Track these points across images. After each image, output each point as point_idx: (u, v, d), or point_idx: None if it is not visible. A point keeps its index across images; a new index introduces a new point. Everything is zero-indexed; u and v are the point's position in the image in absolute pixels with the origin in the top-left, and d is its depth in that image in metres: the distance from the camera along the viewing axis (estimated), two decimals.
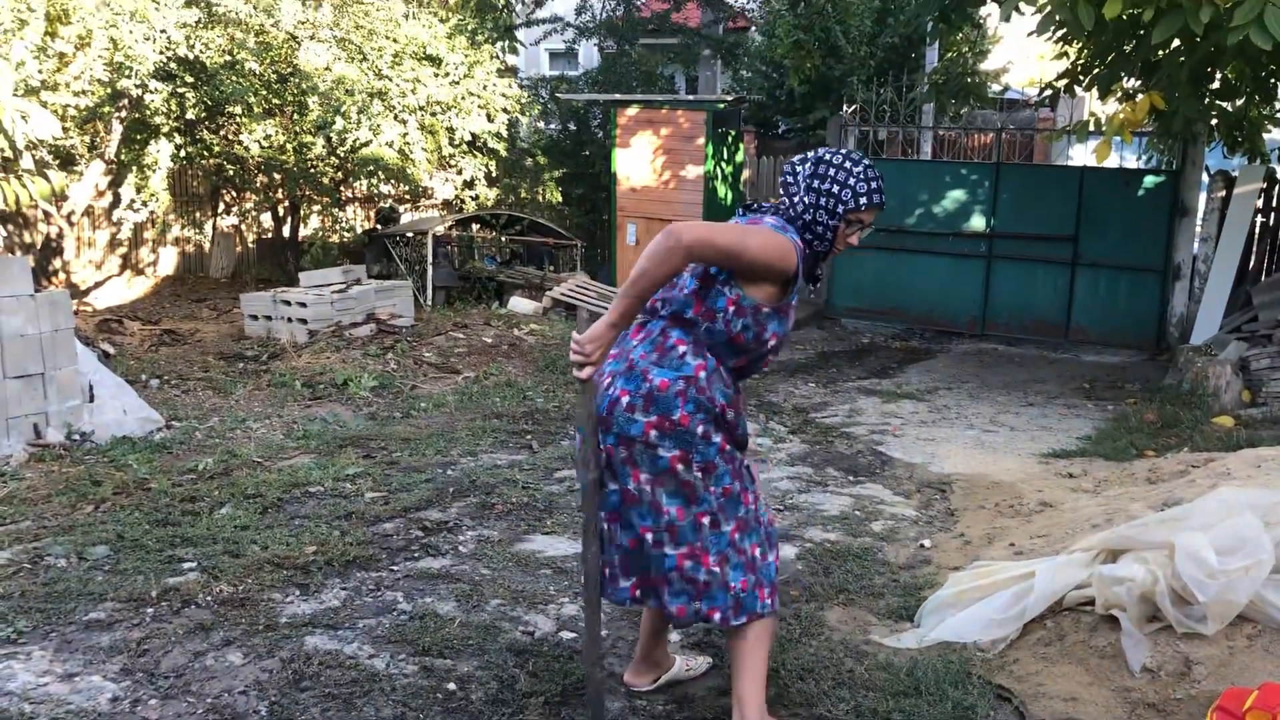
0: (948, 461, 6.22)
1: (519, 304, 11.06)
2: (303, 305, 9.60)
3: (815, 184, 2.81)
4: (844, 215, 2.82)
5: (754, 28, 16.73)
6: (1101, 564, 3.43)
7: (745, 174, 12.47)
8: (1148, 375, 9.34)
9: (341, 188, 13.38)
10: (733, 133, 11.47)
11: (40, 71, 8.39)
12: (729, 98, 11.67)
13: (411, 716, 2.95)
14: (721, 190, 11.16)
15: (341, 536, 4.40)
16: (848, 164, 2.83)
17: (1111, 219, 10.66)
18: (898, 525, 4.93)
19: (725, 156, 11.21)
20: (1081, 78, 9.16)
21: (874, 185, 2.83)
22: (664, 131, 11.14)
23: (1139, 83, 8.70)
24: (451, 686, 3.13)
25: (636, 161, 11.40)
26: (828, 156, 2.87)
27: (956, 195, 11.35)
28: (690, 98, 12.80)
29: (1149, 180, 10.71)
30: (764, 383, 8.80)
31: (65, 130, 9.80)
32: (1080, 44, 8.86)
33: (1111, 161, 10.59)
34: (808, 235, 2.84)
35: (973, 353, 10.77)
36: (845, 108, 12.67)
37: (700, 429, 2.79)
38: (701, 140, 10.88)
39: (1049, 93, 9.51)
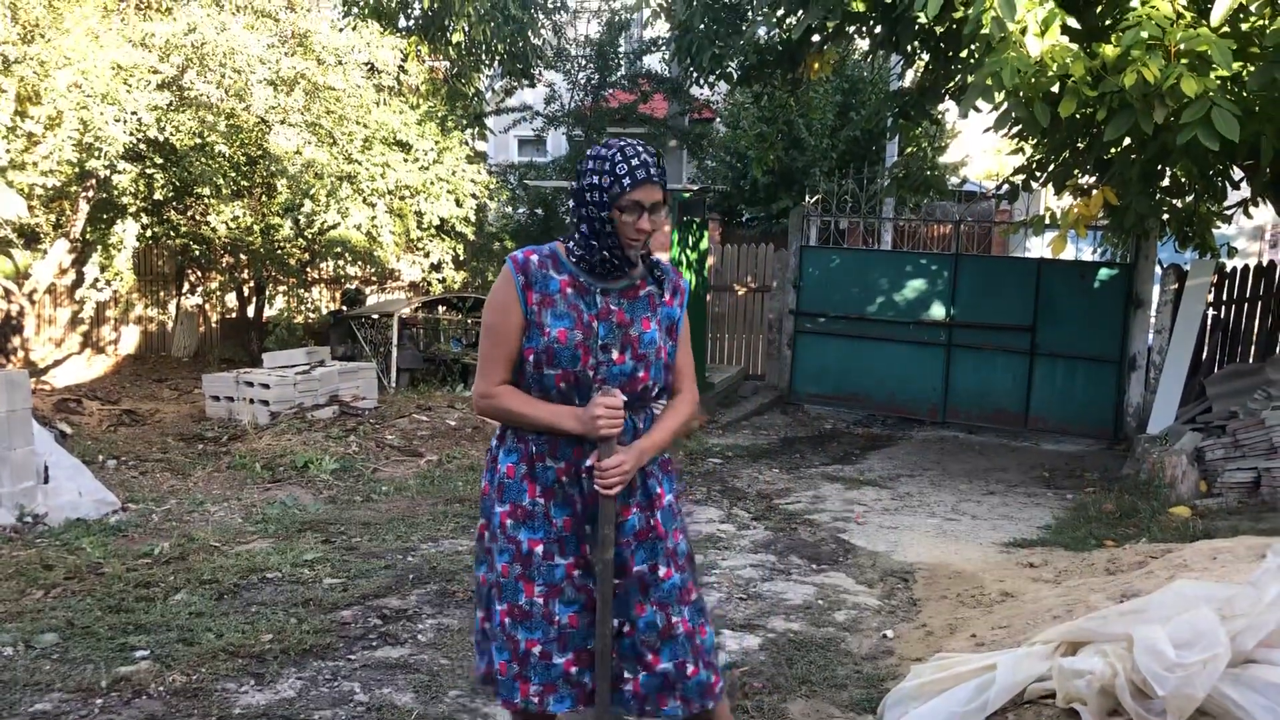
0: (910, 550, 6.24)
1: None
2: (265, 386, 9.54)
3: (580, 185, 2.70)
4: (613, 204, 2.62)
5: (718, 119, 17.12)
6: (1062, 656, 3.44)
7: (710, 260, 12.64)
8: (1106, 464, 9.45)
9: (308, 269, 13.41)
10: (697, 221, 11.65)
11: (8, 151, 8.41)
12: (694, 187, 11.89)
13: None
14: (687, 275, 11.26)
15: (299, 624, 4.33)
16: (602, 152, 2.68)
17: (1068, 310, 10.88)
18: (860, 615, 4.93)
19: (690, 244, 11.36)
20: (1037, 173, 9.43)
21: (635, 163, 2.63)
22: None
23: (1092, 179, 8.97)
24: None
25: None
26: (588, 153, 2.75)
27: (917, 284, 11.55)
28: None
29: (1104, 273, 10.97)
30: (728, 468, 8.82)
31: (31, 209, 9.78)
32: (1036, 141, 9.13)
33: (1068, 254, 10.86)
34: (593, 242, 2.67)
35: (934, 440, 10.86)
36: (807, 198, 12.96)
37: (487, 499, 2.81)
38: (668, 228, 11.04)
39: (1006, 187, 9.77)
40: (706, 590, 5.16)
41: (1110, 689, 3.15)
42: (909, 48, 8.77)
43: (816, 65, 9.80)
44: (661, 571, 2.75)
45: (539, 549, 2.70)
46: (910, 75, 10.39)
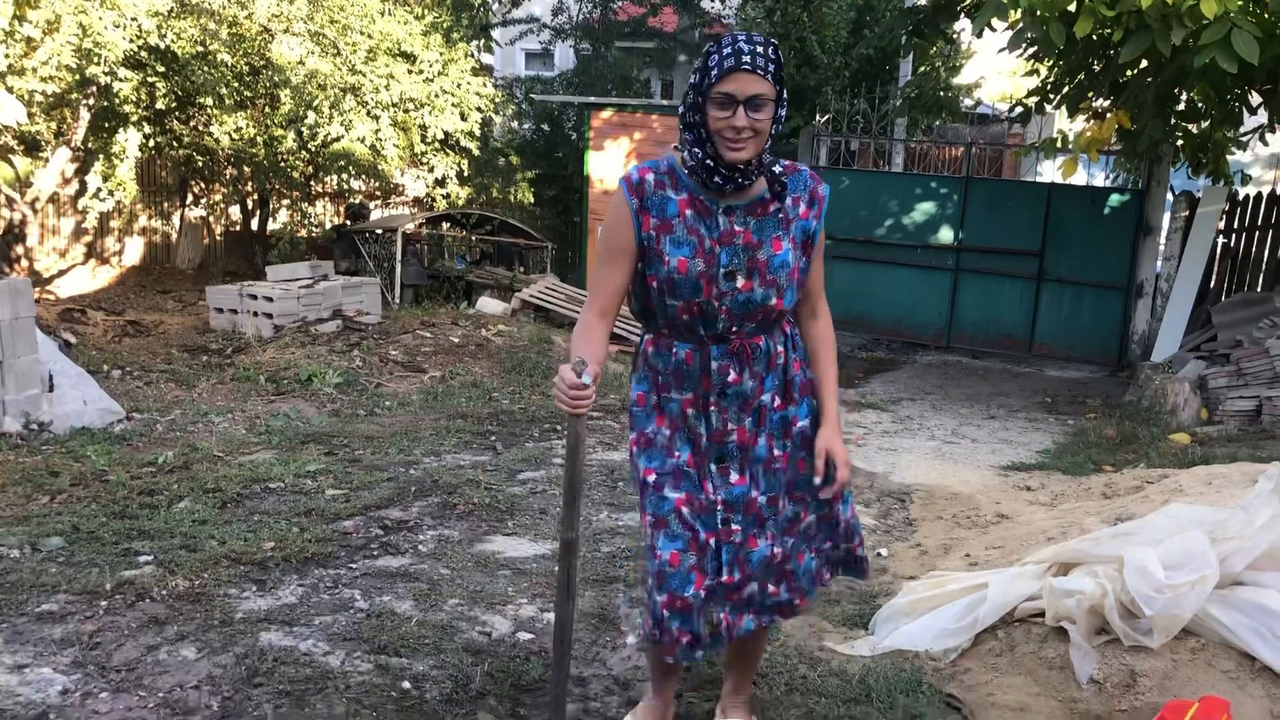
0: (909, 472, 6.28)
1: (487, 304, 11.05)
2: (269, 300, 9.55)
3: (684, 91, 2.55)
4: (705, 97, 2.39)
5: (729, 32, 16.79)
6: (1053, 577, 3.48)
7: None
8: (1109, 391, 9.46)
9: (311, 182, 13.31)
10: None
11: (6, 56, 8.29)
12: None
13: (365, 714, 2.94)
14: None
15: (300, 533, 4.38)
16: (705, 50, 2.46)
17: (1077, 236, 10.79)
18: None
19: None
20: (1051, 96, 9.28)
21: (727, 50, 2.37)
22: (638, 135, 11.18)
23: (1107, 102, 8.83)
24: (406, 685, 3.13)
25: (610, 164, 11.42)
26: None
27: (926, 208, 11.45)
28: (664, 102, 12.83)
29: (1115, 199, 10.86)
30: None
31: (31, 116, 9.68)
32: (1051, 62, 8.97)
33: (1079, 179, 10.74)
34: (695, 149, 2.45)
35: (937, 364, 10.86)
36: (818, 117, 12.75)
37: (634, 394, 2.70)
38: (675, 145, 10.92)
39: (1019, 109, 9.62)
40: None
41: (1099, 608, 3.20)
42: None
43: None
44: (780, 505, 2.66)
45: (651, 478, 2.60)
46: None
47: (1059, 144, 8.47)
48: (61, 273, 12.98)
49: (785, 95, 2.45)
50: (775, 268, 2.52)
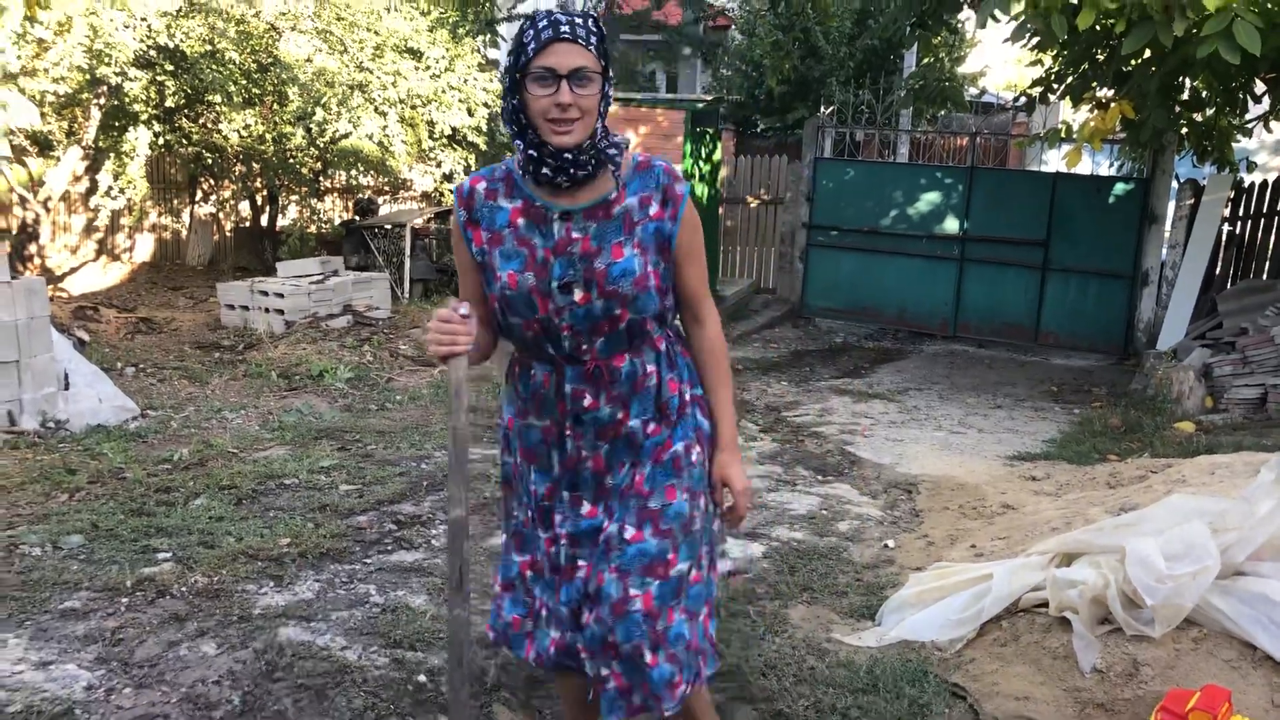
0: (915, 463, 6.33)
1: None
2: (280, 296, 9.62)
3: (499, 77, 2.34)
4: (524, 76, 2.13)
5: (734, 26, 16.82)
6: (1056, 567, 3.54)
7: (723, 172, 12.55)
8: (1114, 379, 9.50)
9: (320, 178, 13.37)
10: (710, 131, 11.55)
11: (19, 58, 8.36)
12: (708, 98, 11.76)
13: (382, 707, 3.02)
14: (699, 188, 11.24)
15: (315, 529, 4.46)
16: (520, 28, 2.21)
17: (1082, 225, 10.81)
18: (863, 525, 5.04)
19: (703, 155, 11.28)
20: (1055, 85, 9.29)
21: (542, 24, 2.14)
22: (643, 129, 11.22)
23: (1110, 92, 8.84)
24: (422, 679, 3.20)
25: None
26: None
27: (931, 198, 11.47)
28: (670, 96, 12.89)
29: (1119, 187, 10.87)
30: (737, 381, 8.89)
31: (43, 116, 9.75)
32: (1054, 52, 8.98)
33: (1084, 168, 10.76)
34: (518, 140, 2.22)
35: (943, 354, 10.90)
36: (823, 109, 12.79)
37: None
38: (680, 139, 10.97)
39: (1023, 99, 9.64)
40: None
41: (1102, 599, 3.25)
42: None
43: None
44: (629, 533, 2.29)
45: (519, 516, 2.46)
46: None
47: (1063, 134, 8.48)
48: (73, 270, 13.06)
49: (611, 73, 2.21)
50: (615, 277, 2.22)
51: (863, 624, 3.82)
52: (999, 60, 18.53)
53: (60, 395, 6.69)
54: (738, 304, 12.21)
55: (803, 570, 4.33)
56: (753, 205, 13.23)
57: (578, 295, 2.23)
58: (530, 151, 2.19)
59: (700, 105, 11.15)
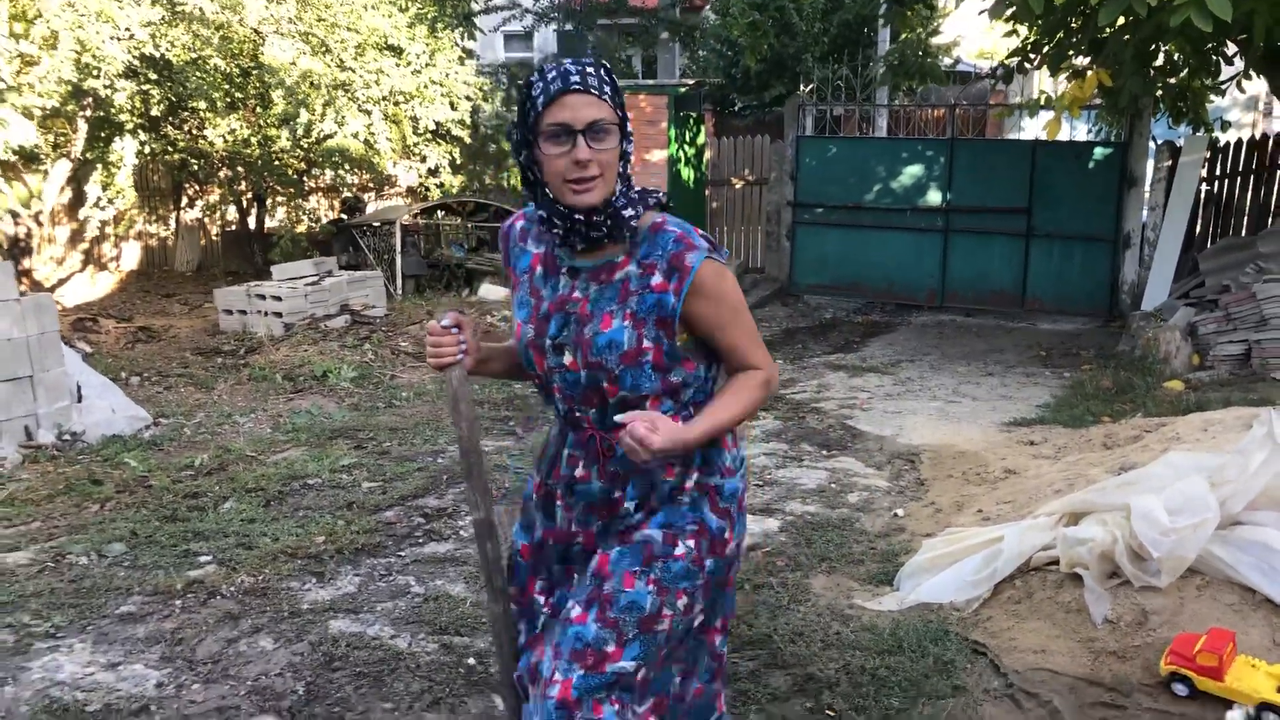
0: (915, 433, 6.52)
1: (489, 290, 11.23)
2: (277, 299, 9.72)
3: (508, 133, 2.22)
4: (535, 135, 2.00)
5: (709, 6, 16.92)
6: (1064, 527, 3.73)
7: (707, 155, 12.68)
8: (1102, 342, 9.71)
9: (304, 178, 13.45)
10: (694, 115, 11.68)
11: (14, 76, 8.42)
12: (690, 82, 11.88)
13: (438, 690, 3.18)
14: (685, 172, 11.39)
15: (347, 526, 4.61)
16: (524, 82, 2.05)
17: (1063, 190, 11.01)
18: (872, 496, 5.22)
19: (687, 139, 11.42)
20: (1031, 56, 9.46)
21: (550, 75, 1.99)
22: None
23: (1087, 60, 9.01)
24: (471, 662, 3.36)
25: None
26: None
27: (913, 171, 11.65)
28: (652, 82, 13.00)
29: (1098, 152, 11.07)
30: None
31: None
32: (1030, 23, 9.14)
33: (1062, 134, 10.94)
34: (535, 194, 2.10)
35: (932, 325, 11.10)
36: (801, 86, 12.92)
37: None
38: (664, 124, 11.10)
39: (1001, 70, 9.81)
40: None
41: (1110, 554, 3.44)
42: None
43: None
44: (575, 613, 2.09)
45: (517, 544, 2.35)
46: None
47: (1042, 103, 8.66)
48: (61, 281, 13.11)
49: (629, 127, 2.06)
50: (600, 348, 2.06)
51: (881, 590, 4.00)
52: (973, 29, 18.66)
53: (74, 408, 6.80)
54: None
55: (819, 542, 4.51)
56: (737, 186, 13.37)
57: (567, 359, 2.10)
58: (540, 212, 2.08)
59: (683, 89, 11.27)
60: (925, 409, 7.27)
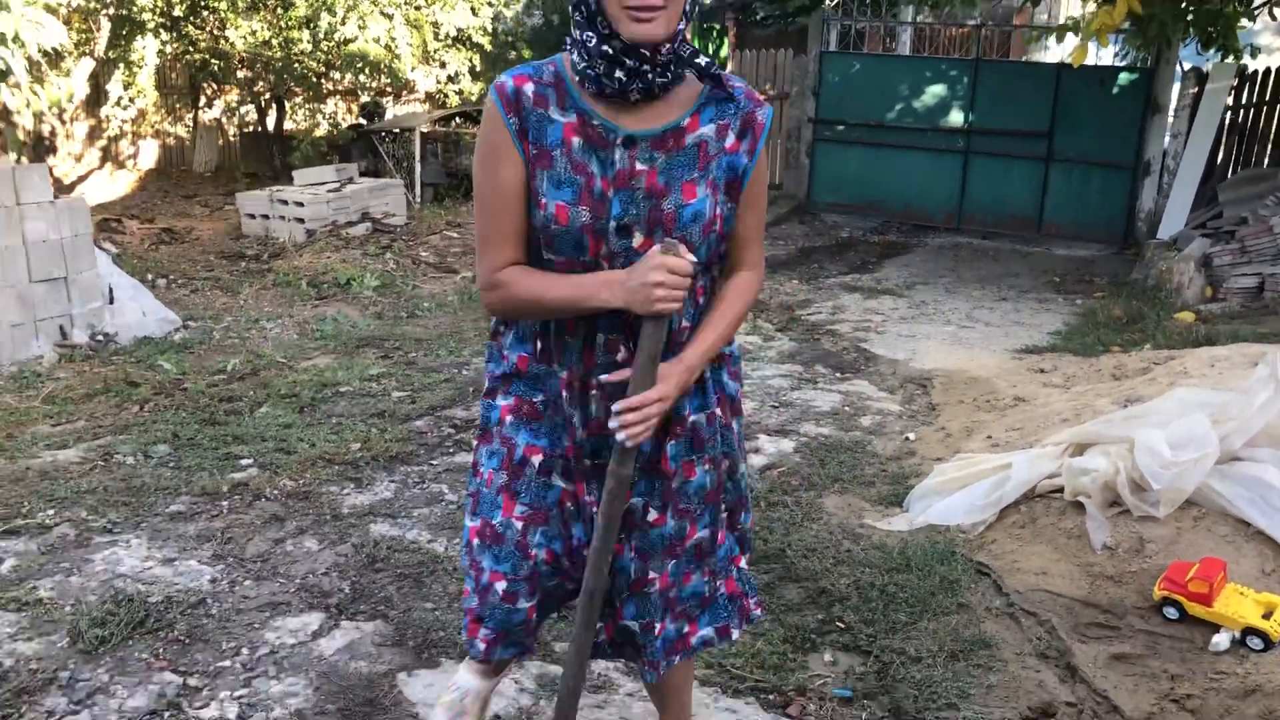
0: (928, 357, 6.66)
1: None
2: (300, 205, 9.81)
3: None
4: None
5: None
6: (1070, 456, 3.89)
7: (729, 67, 12.60)
8: (1116, 270, 9.79)
9: (323, 80, 13.40)
10: (717, 28, 11.60)
11: None
12: None
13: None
14: None
15: (380, 434, 4.79)
16: None
17: (1085, 115, 10.97)
18: (884, 419, 5.39)
19: (710, 51, 11.35)
20: None
21: None
22: None
23: None
24: None
25: None
26: None
27: (935, 91, 11.60)
28: None
29: (1123, 77, 11.00)
30: None
31: None
32: None
33: (1089, 59, 10.86)
34: (588, 35, 1.85)
35: (949, 247, 11.16)
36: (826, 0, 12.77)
37: (486, 385, 2.18)
38: (687, 35, 11.01)
39: None
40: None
41: (1112, 484, 3.61)
42: None
43: None
44: (652, 515, 2.10)
45: (536, 458, 2.09)
46: None
47: (1070, 28, 8.59)
48: (81, 178, 13.18)
49: None
50: (685, 222, 1.93)
51: (891, 511, 4.19)
52: None
53: (106, 309, 6.96)
54: None
55: (832, 463, 4.69)
56: None
57: (636, 240, 1.91)
58: (603, 46, 1.82)
59: (707, 3, 11.17)
60: (939, 333, 7.41)
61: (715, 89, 1.95)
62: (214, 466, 4.32)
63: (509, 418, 2.09)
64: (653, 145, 1.91)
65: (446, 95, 13.13)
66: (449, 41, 11.86)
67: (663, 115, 1.91)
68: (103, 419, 5.01)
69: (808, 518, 4.08)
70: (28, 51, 6.09)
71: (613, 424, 1.92)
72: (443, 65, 12.19)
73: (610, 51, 1.82)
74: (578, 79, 1.90)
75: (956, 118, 11.55)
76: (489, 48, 12.31)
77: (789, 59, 13.03)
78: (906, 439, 5.06)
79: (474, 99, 12.86)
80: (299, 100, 13.34)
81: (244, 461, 4.41)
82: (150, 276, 8.54)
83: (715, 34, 11.44)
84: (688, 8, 1.84)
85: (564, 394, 2.03)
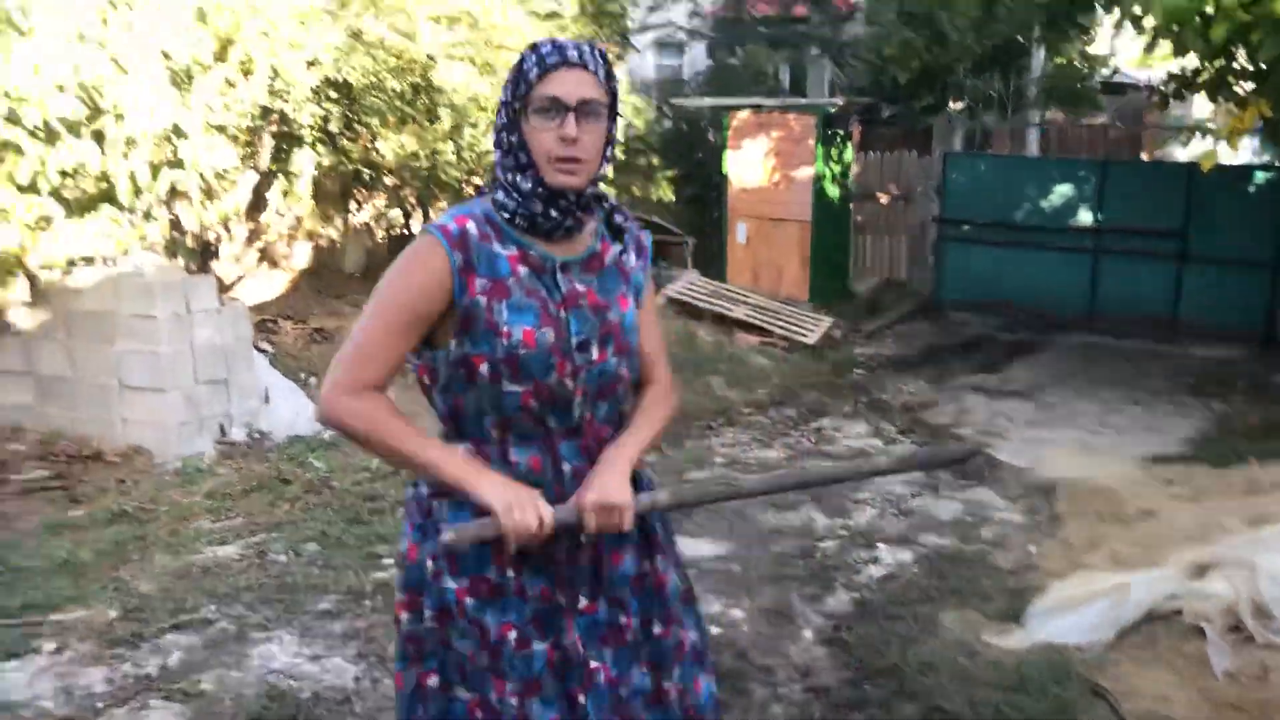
0: (1053, 465, 6.61)
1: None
2: None
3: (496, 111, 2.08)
4: (525, 106, 1.97)
5: (858, 11, 16.98)
6: (1192, 578, 3.88)
7: (854, 169, 12.82)
8: (1255, 372, 9.51)
9: (464, 186, 14.12)
10: (841, 134, 11.85)
11: (210, 108, 9.22)
12: (839, 101, 12.05)
13: None
14: (831, 189, 11.58)
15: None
16: (519, 59, 2.05)
17: (1221, 214, 10.78)
18: (1006, 530, 5.39)
19: (834, 156, 11.60)
20: (1191, 82, 9.32)
21: (545, 49, 1.97)
22: (775, 134, 11.58)
23: (1249, 87, 8.83)
24: None
25: (747, 163, 11.88)
26: None
27: (1064, 190, 11.58)
28: (801, 101, 13.21)
29: (1259, 175, 10.82)
30: (872, 379, 9.24)
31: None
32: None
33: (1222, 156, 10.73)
34: (514, 177, 2.01)
35: (1080, 346, 11.00)
36: (951, 99, 12.95)
37: (429, 564, 2.07)
38: (812, 142, 11.30)
39: (1158, 95, 9.69)
40: (860, 507, 5.69)
41: (1234, 609, 3.60)
42: None
43: None
44: (656, 629, 2.15)
45: (511, 635, 2.03)
46: None
47: (1199, 132, 8.57)
48: (239, 279, 14.07)
49: (618, 113, 2.06)
50: (628, 329, 2.09)
51: (1009, 626, 4.21)
52: (1130, 38, 18.20)
53: (263, 408, 7.48)
54: (870, 299, 12.50)
55: (951, 575, 4.73)
56: (883, 200, 13.46)
57: (594, 354, 2.04)
58: (539, 189, 1.98)
59: (832, 110, 11.47)
60: (1066, 439, 7.34)
61: (610, 217, 2.13)
62: (359, 565, 4.63)
63: (467, 599, 2.03)
64: (583, 268, 2.07)
65: None
66: None
67: (581, 243, 2.09)
68: (258, 516, 5.40)
69: (925, 632, 4.13)
70: (202, 173, 6.71)
71: (590, 525, 1.97)
72: None
73: (544, 193, 1.98)
74: (508, 217, 2.03)
75: (1085, 217, 11.48)
76: (619, 155, 12.82)
77: (913, 160, 13.18)
78: (1028, 551, 5.06)
79: None
80: (442, 205, 14.07)
81: (386, 561, 4.71)
82: (303, 375, 9.08)
83: (839, 139, 11.69)
84: (608, 153, 2.02)
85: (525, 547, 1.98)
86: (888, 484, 6.17)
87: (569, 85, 1.93)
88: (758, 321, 10.55)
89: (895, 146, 13.89)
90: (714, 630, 4.13)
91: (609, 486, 1.99)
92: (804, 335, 10.29)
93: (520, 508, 1.91)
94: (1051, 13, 9.57)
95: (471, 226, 2.01)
